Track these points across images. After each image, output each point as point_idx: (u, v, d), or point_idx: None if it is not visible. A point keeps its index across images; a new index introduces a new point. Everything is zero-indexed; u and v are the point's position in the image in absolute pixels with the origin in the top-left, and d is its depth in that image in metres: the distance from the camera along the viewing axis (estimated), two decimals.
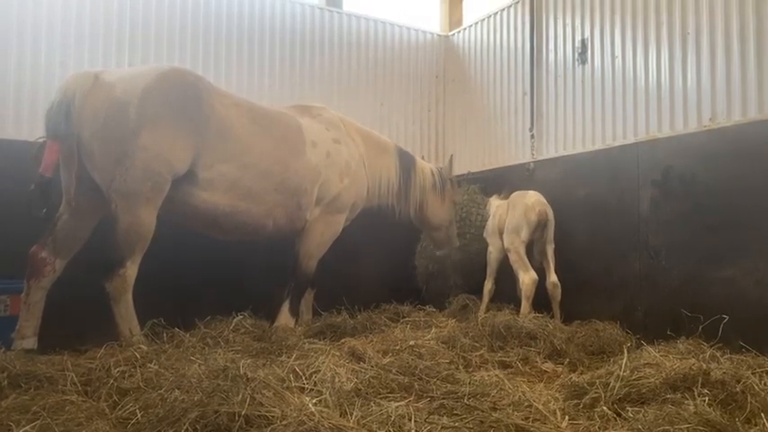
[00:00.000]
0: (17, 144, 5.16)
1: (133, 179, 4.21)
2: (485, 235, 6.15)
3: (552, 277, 5.42)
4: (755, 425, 2.71)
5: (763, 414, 2.75)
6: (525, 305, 5.34)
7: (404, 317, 5.52)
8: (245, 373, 2.90)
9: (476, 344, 4.41)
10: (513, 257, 5.55)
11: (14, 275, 4.48)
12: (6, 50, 5.44)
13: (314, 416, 2.54)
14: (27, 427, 2.54)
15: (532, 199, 5.59)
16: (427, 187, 6.31)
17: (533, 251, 5.67)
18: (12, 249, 4.47)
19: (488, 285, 5.96)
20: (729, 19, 4.92)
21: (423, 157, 6.83)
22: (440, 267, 6.80)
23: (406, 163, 6.20)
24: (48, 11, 5.64)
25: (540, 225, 5.49)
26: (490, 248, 6.01)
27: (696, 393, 2.89)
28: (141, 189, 4.25)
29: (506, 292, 5.92)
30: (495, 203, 6.23)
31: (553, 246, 5.54)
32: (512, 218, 5.61)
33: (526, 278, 5.37)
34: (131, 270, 4.29)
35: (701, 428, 2.54)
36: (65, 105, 4.20)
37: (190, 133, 4.45)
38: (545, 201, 5.61)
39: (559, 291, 5.38)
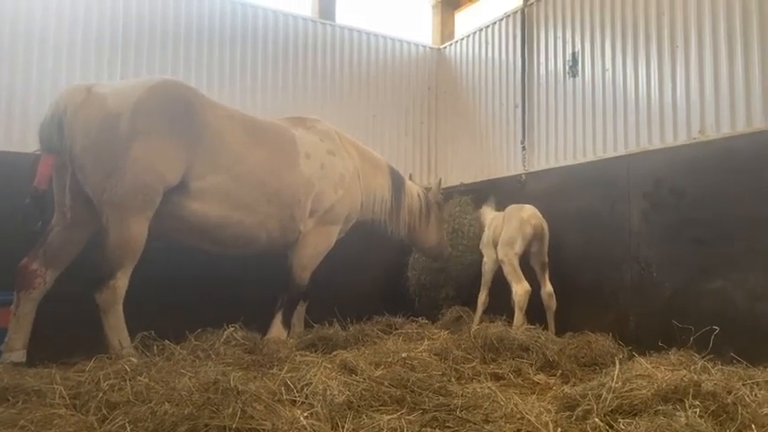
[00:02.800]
0: (8, 155, 5.16)
1: (124, 191, 4.20)
2: (480, 246, 6.17)
3: (548, 287, 5.45)
4: None
5: (753, 425, 2.75)
6: (518, 316, 5.35)
7: (396, 329, 5.50)
8: (235, 386, 2.88)
9: (468, 356, 4.40)
10: (506, 269, 5.57)
11: (3, 288, 4.44)
12: None
13: (305, 429, 2.53)
14: None
15: (528, 212, 5.64)
16: (414, 211, 6.32)
17: (531, 263, 5.69)
18: (2, 261, 4.44)
19: (482, 297, 5.97)
20: (717, 32, 4.99)
21: (410, 176, 6.83)
22: (432, 279, 6.81)
23: (397, 183, 6.22)
24: (40, 23, 5.64)
25: (536, 238, 5.53)
26: (485, 260, 6.02)
27: (687, 405, 2.88)
28: (132, 201, 4.24)
29: (500, 303, 5.91)
30: (488, 215, 6.25)
31: (546, 258, 5.57)
32: (507, 230, 5.64)
33: (519, 289, 5.40)
34: (122, 282, 4.26)
35: None
36: (57, 118, 4.21)
37: (182, 144, 4.45)
38: (540, 214, 5.65)
39: (554, 301, 5.41)
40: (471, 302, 6.18)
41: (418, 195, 6.42)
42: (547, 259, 5.57)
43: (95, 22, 5.93)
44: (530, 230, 5.50)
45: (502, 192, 6.64)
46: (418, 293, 6.97)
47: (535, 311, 5.51)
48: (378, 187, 5.97)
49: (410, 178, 6.74)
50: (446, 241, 6.63)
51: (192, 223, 4.64)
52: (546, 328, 5.29)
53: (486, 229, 6.14)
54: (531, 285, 5.46)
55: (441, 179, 6.98)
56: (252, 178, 4.84)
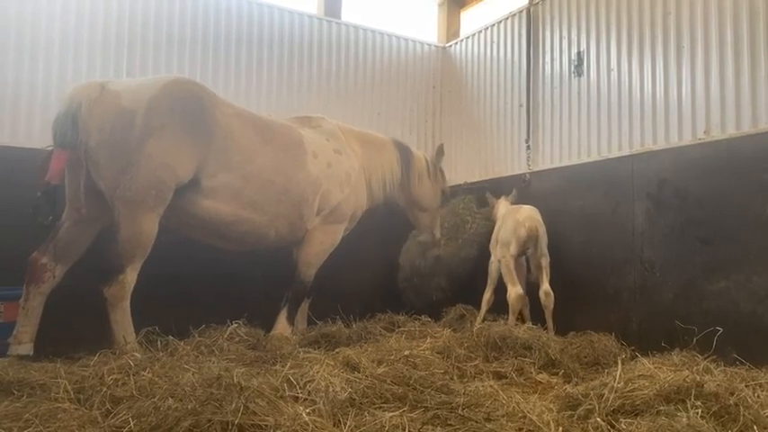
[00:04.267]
0: (14, 150, 5.18)
1: (137, 187, 4.24)
2: (490, 247, 6.13)
3: (545, 286, 5.42)
4: None
5: (755, 427, 2.75)
6: (512, 318, 5.40)
7: (399, 326, 5.50)
8: (238, 382, 2.89)
9: (471, 354, 4.40)
10: (503, 270, 5.61)
11: (10, 282, 4.47)
12: (5, 58, 5.47)
13: (307, 425, 2.54)
14: None
15: (524, 214, 5.63)
16: (422, 172, 6.36)
17: (529, 265, 5.69)
18: (6, 256, 4.47)
19: (487, 295, 5.94)
20: (723, 33, 4.98)
21: None
22: (426, 267, 6.67)
23: (405, 153, 6.27)
24: (46, 20, 5.67)
25: (531, 240, 5.49)
26: (492, 259, 6.02)
27: (689, 405, 2.88)
28: (145, 197, 4.28)
29: (504, 303, 5.92)
30: (502, 209, 6.18)
31: (548, 258, 5.54)
32: (503, 231, 5.67)
33: (512, 293, 5.41)
34: (131, 277, 4.30)
35: None
36: (71, 114, 4.24)
37: (194, 142, 4.49)
38: (538, 216, 5.64)
39: (552, 299, 5.37)
40: (463, 295, 6.17)
41: (425, 158, 6.49)
42: (544, 261, 5.51)
43: (102, 20, 5.95)
44: (523, 233, 5.48)
45: (506, 191, 6.62)
46: (410, 279, 6.76)
47: (536, 311, 5.51)
48: (386, 165, 6.03)
49: None
50: (439, 221, 6.57)
51: (203, 220, 4.68)
52: (546, 327, 5.30)
53: (495, 229, 6.11)
54: (533, 283, 5.47)
55: (442, 144, 6.84)
56: (262, 177, 4.88)
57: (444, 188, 6.67)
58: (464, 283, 6.37)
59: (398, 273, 6.90)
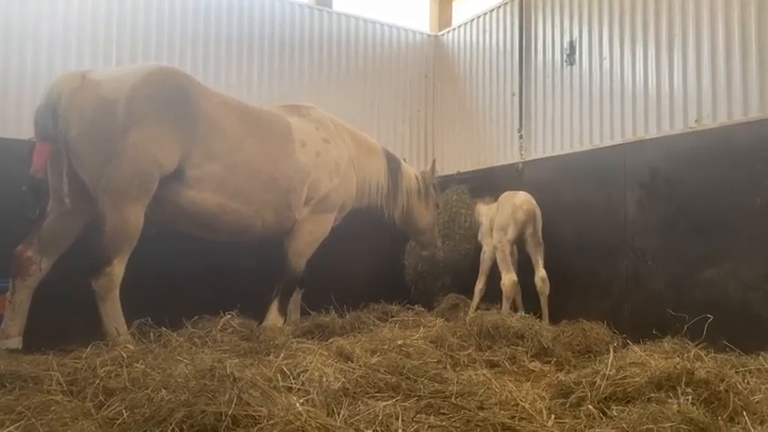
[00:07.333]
0: (3, 142, 5.13)
1: (121, 177, 4.19)
2: (479, 238, 6.18)
3: (541, 272, 5.47)
4: (738, 423, 2.75)
5: (745, 412, 2.78)
6: (505, 305, 5.46)
7: (392, 316, 5.51)
8: (232, 373, 2.89)
9: (464, 343, 4.42)
10: (498, 256, 5.63)
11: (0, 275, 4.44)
12: None
13: (301, 415, 2.54)
14: (11, 428, 2.52)
15: (521, 198, 5.66)
16: (413, 191, 6.33)
17: (527, 248, 5.72)
18: None
19: (479, 285, 5.99)
20: (715, 21, 4.98)
21: (405, 160, 6.82)
22: (429, 267, 6.82)
23: (394, 166, 6.22)
24: (34, 12, 5.59)
25: (529, 222, 5.55)
26: (484, 248, 6.05)
27: (680, 392, 2.91)
28: (129, 187, 4.23)
29: (497, 292, 5.94)
30: (483, 210, 6.25)
31: (542, 244, 5.57)
32: (500, 217, 5.69)
33: (507, 280, 5.46)
34: (118, 268, 4.26)
35: (685, 427, 2.57)
36: (51, 106, 4.18)
37: (178, 131, 4.43)
38: (533, 200, 5.66)
39: (548, 286, 5.42)
40: (467, 291, 6.20)
41: (416, 177, 6.43)
42: (541, 242, 5.56)
43: (90, 7, 5.88)
44: (522, 216, 5.53)
45: (498, 180, 6.64)
46: (414, 282, 6.99)
47: (530, 297, 5.53)
48: (374, 172, 5.97)
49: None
50: (437, 232, 6.64)
51: (188, 211, 4.64)
52: (540, 313, 5.32)
53: (483, 220, 6.15)
54: (527, 271, 5.47)
55: (435, 160, 6.90)
56: (248, 166, 4.84)
57: (438, 201, 6.68)
58: (466, 277, 6.38)
59: (405, 272, 7.06)
